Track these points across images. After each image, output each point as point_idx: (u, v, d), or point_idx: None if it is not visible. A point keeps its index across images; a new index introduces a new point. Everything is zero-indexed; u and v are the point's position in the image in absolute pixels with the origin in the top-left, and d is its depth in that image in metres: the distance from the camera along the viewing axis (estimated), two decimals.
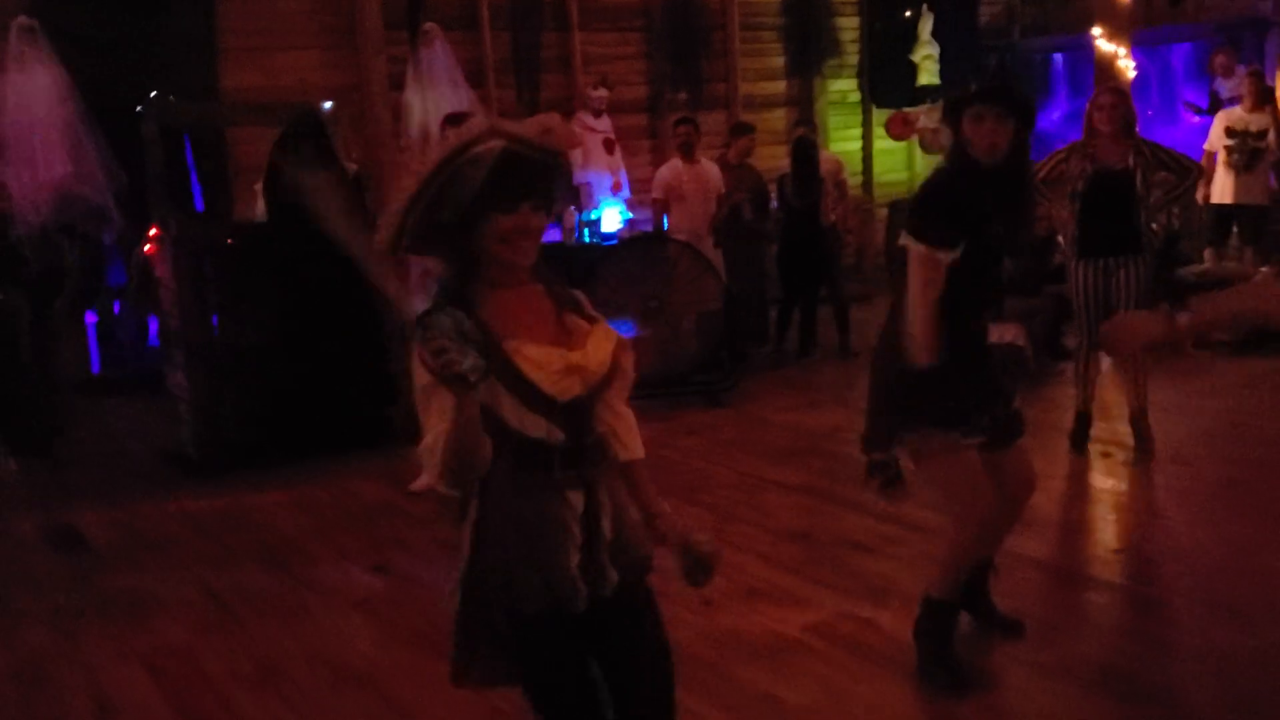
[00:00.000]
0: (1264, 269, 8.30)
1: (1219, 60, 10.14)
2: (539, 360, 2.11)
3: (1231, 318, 2.32)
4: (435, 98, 8.58)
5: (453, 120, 5.65)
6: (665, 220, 7.92)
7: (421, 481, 5.71)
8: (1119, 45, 9.43)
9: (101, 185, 7.45)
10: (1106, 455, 5.78)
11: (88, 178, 7.45)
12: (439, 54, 8.70)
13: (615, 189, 9.29)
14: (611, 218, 8.64)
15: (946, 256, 3.25)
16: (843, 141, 11.58)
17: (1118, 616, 4.07)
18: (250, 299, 6.42)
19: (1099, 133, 5.51)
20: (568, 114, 8.88)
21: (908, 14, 11.42)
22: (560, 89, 9.75)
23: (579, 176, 8.67)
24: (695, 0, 10.52)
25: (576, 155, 8.62)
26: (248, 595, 4.59)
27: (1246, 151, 8.76)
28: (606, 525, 2.21)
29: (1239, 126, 8.78)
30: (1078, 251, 5.65)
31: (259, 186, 7.16)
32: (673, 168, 7.96)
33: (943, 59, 11.25)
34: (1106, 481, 5.49)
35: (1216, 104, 9.87)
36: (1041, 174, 5.75)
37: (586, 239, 8.39)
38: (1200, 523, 4.89)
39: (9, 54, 7.38)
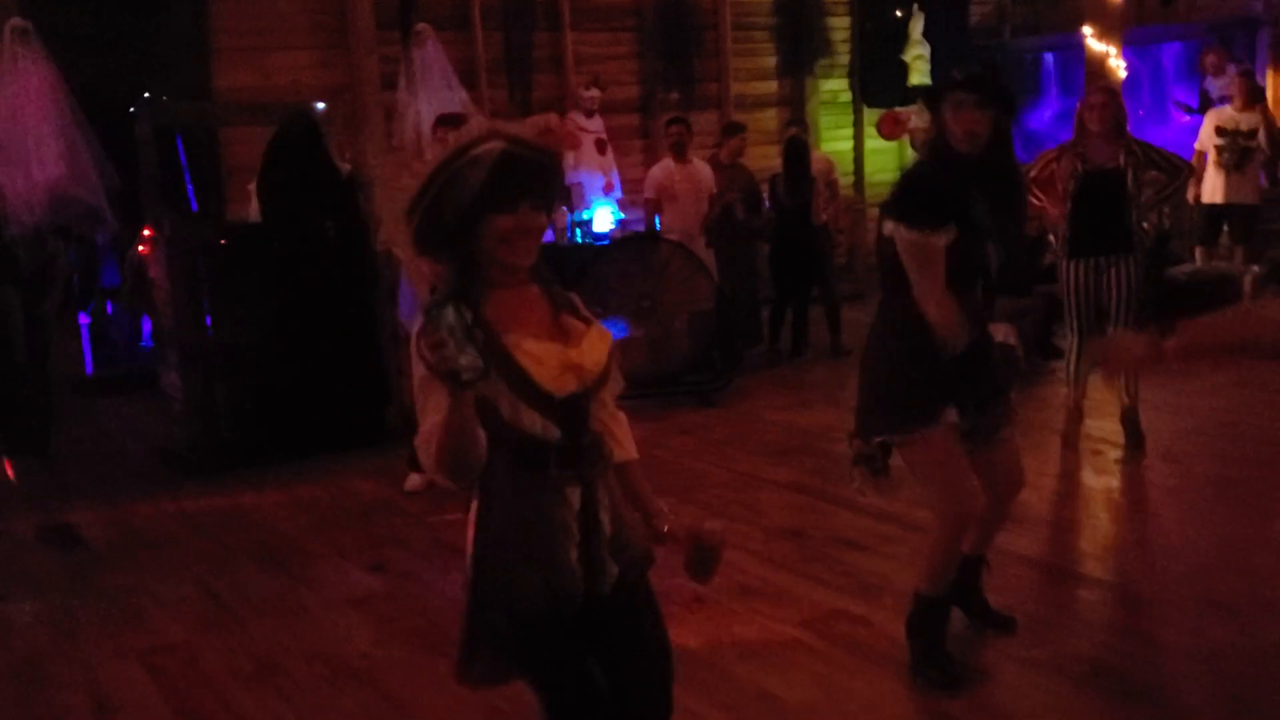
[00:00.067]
0: (1254, 268, 8.35)
1: (1209, 60, 10.21)
2: (538, 355, 2.14)
3: (1220, 343, 2.31)
4: (428, 98, 8.59)
5: (445, 121, 5.66)
6: (657, 220, 7.94)
7: (414, 481, 5.75)
8: (1110, 45, 9.47)
9: (95, 186, 7.43)
10: (1098, 453, 5.81)
11: (81, 178, 7.43)
12: (431, 54, 8.70)
13: (607, 189, 9.31)
14: (603, 218, 8.67)
15: (940, 239, 3.24)
16: (834, 141, 11.61)
17: (1109, 613, 4.10)
18: (244, 299, 6.44)
19: (1090, 132, 5.55)
20: (560, 114, 8.90)
21: (899, 14, 11.45)
22: (552, 89, 9.77)
23: (571, 177, 8.69)
24: (687, 0, 10.55)
25: (568, 156, 8.65)
26: (245, 594, 4.60)
27: (1237, 151, 8.81)
28: (605, 522, 2.24)
29: (1229, 126, 8.83)
30: (1069, 251, 5.68)
31: (252, 187, 7.16)
32: (665, 168, 7.98)
33: (934, 59, 11.29)
34: (1098, 479, 5.52)
35: (1207, 103, 9.93)
36: (1033, 173, 5.79)
37: (579, 239, 8.42)
38: (1191, 520, 4.93)
39: (2, 55, 7.36)
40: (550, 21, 9.84)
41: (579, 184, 8.91)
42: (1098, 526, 5.02)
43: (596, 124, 9.44)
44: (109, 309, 9.22)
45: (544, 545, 2.18)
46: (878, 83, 11.52)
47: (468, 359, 1.88)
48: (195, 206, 8.47)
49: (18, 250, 6.93)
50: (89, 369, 8.59)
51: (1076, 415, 5.88)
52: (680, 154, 7.94)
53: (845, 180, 10.94)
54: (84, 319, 8.58)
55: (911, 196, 3.41)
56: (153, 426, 6.96)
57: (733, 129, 8.84)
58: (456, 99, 8.54)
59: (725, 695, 3.53)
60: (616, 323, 6.57)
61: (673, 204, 7.85)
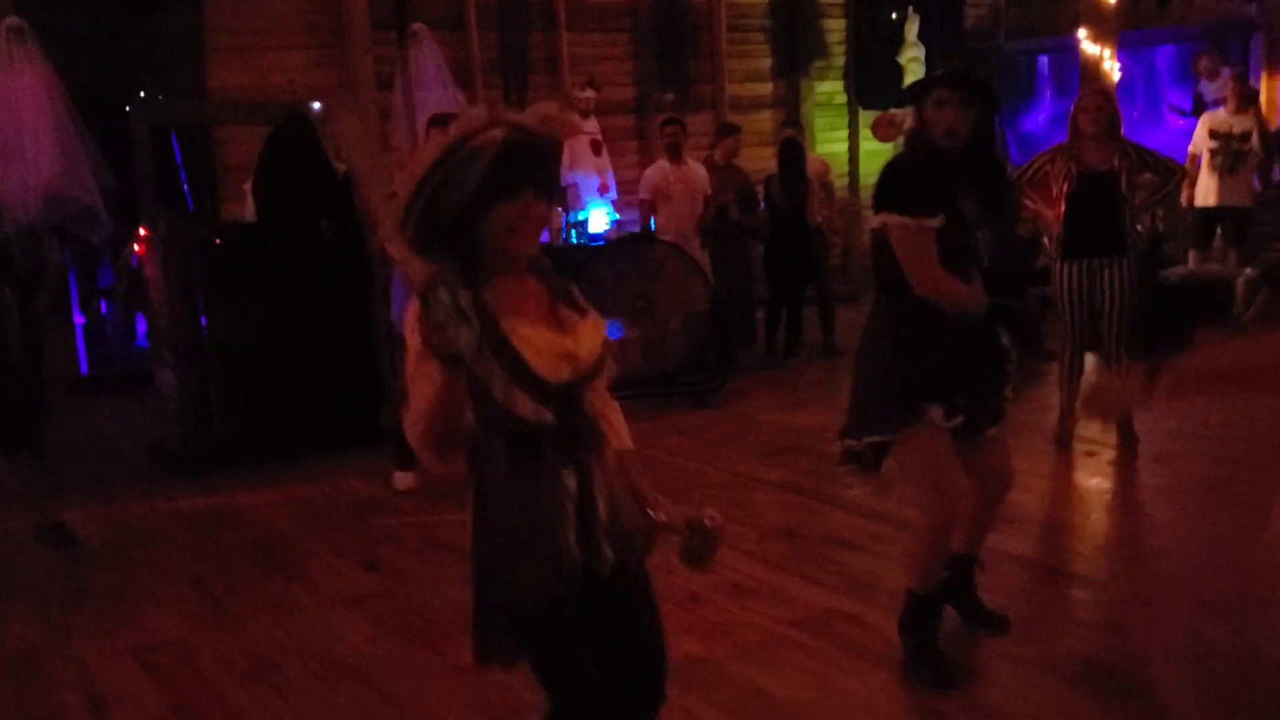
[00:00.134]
0: (1247, 270, 8.37)
1: (1203, 63, 10.23)
2: (533, 341, 2.14)
3: (1208, 378, 2.32)
4: (423, 98, 8.60)
5: (438, 122, 5.67)
6: (652, 221, 7.95)
7: (403, 480, 5.77)
8: (1104, 47, 9.51)
9: (91, 185, 7.43)
10: (1090, 454, 5.84)
11: (77, 178, 7.43)
12: (427, 54, 8.71)
13: (602, 190, 9.32)
14: (599, 218, 8.69)
15: (931, 223, 3.25)
16: (829, 143, 11.63)
17: (1101, 612, 4.12)
18: (240, 298, 6.45)
19: (1084, 134, 5.57)
20: None
21: (894, 16, 11.48)
22: (548, 89, 9.78)
23: (566, 178, 8.70)
24: (682, 1, 10.56)
25: (564, 156, 8.65)
26: (241, 592, 4.61)
27: (1230, 154, 8.83)
28: (601, 506, 2.24)
29: (1223, 129, 8.86)
30: (1063, 253, 5.71)
31: (248, 186, 7.17)
32: (660, 169, 7.99)
33: (929, 61, 11.31)
34: (1090, 480, 5.54)
35: (1201, 106, 9.96)
36: (1027, 175, 5.82)
37: (574, 240, 8.43)
38: (1183, 520, 4.96)
39: None
40: (546, 22, 9.86)
41: (574, 185, 8.91)
42: (1090, 527, 5.04)
43: (592, 125, 9.46)
44: (103, 308, 9.21)
45: (542, 530, 2.18)
46: (873, 85, 11.54)
47: (466, 338, 1.90)
48: (191, 206, 8.46)
49: (13, 249, 6.92)
50: (84, 368, 8.59)
51: (1069, 416, 5.91)
52: (675, 155, 7.95)
53: (840, 182, 10.96)
54: (79, 319, 8.58)
55: (898, 185, 3.41)
56: (148, 426, 6.97)
57: (727, 130, 8.85)
58: (452, 99, 8.55)
59: (720, 693, 3.54)
60: (612, 323, 6.58)
61: (668, 205, 7.86)
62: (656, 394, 7.19)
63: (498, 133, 2.08)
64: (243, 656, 3.99)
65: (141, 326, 8.75)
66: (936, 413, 3.34)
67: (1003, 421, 3.51)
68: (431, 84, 8.59)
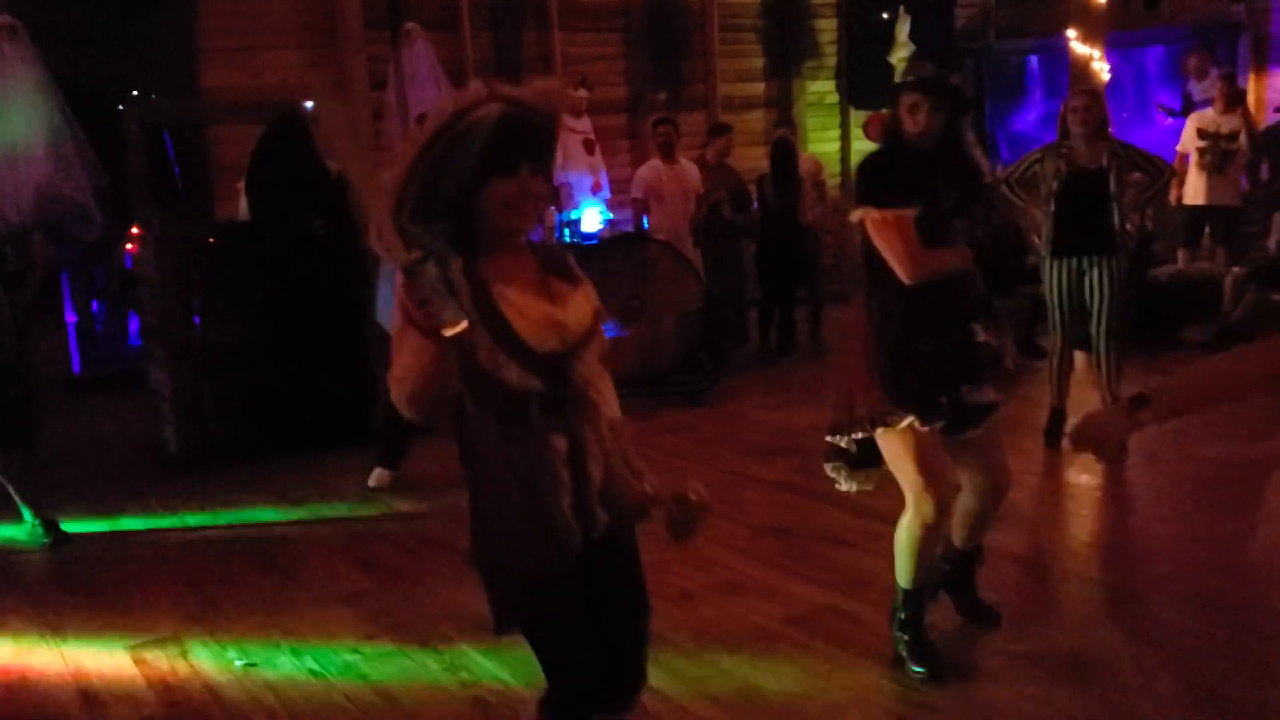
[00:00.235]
0: (1235, 269, 8.42)
1: (1192, 63, 10.28)
2: (522, 308, 2.15)
3: (1195, 402, 2.36)
4: (416, 98, 8.61)
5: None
6: (645, 220, 7.98)
7: (378, 477, 5.79)
8: (1094, 47, 9.52)
9: (83, 185, 7.44)
10: (1080, 452, 5.85)
11: (69, 177, 7.44)
12: (420, 54, 8.72)
13: (595, 189, 9.34)
14: (592, 218, 8.71)
15: (909, 212, 3.32)
16: (821, 143, 11.66)
17: (1091, 608, 4.16)
18: (233, 297, 6.46)
19: (1073, 134, 5.60)
20: None
21: (885, 16, 11.49)
22: None
23: (559, 177, 8.72)
24: (675, 1, 10.59)
25: (556, 155, 8.66)
26: (233, 589, 4.62)
27: (1218, 153, 8.88)
28: (594, 470, 2.23)
29: (1211, 128, 8.91)
30: (1052, 251, 5.74)
31: (241, 185, 7.17)
32: (652, 168, 8.02)
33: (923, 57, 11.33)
34: (1080, 477, 5.57)
35: (1189, 106, 10.00)
36: (1016, 174, 5.86)
37: (567, 239, 8.45)
38: (1173, 518, 4.99)
39: None
40: (538, 22, 9.87)
41: (567, 184, 8.93)
42: (1080, 524, 5.07)
43: (585, 124, 9.46)
44: (94, 307, 9.21)
45: (536, 496, 2.18)
46: (865, 84, 11.56)
47: (450, 313, 1.92)
48: (184, 205, 8.46)
49: (5, 249, 6.92)
50: (76, 368, 8.58)
51: (1059, 414, 5.94)
52: (668, 154, 7.98)
53: (832, 181, 10.98)
54: (71, 318, 8.58)
55: (872, 179, 3.49)
56: (142, 424, 6.97)
57: (719, 129, 8.89)
58: (445, 99, 8.54)
59: (712, 688, 3.56)
60: (605, 323, 6.60)
61: (660, 204, 7.89)
62: (649, 393, 7.21)
63: (495, 107, 2.08)
64: (237, 655, 4.00)
65: (134, 326, 8.75)
66: (916, 412, 3.37)
67: (987, 423, 3.51)
68: (425, 83, 8.60)
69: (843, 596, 4.20)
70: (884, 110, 11.22)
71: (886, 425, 3.37)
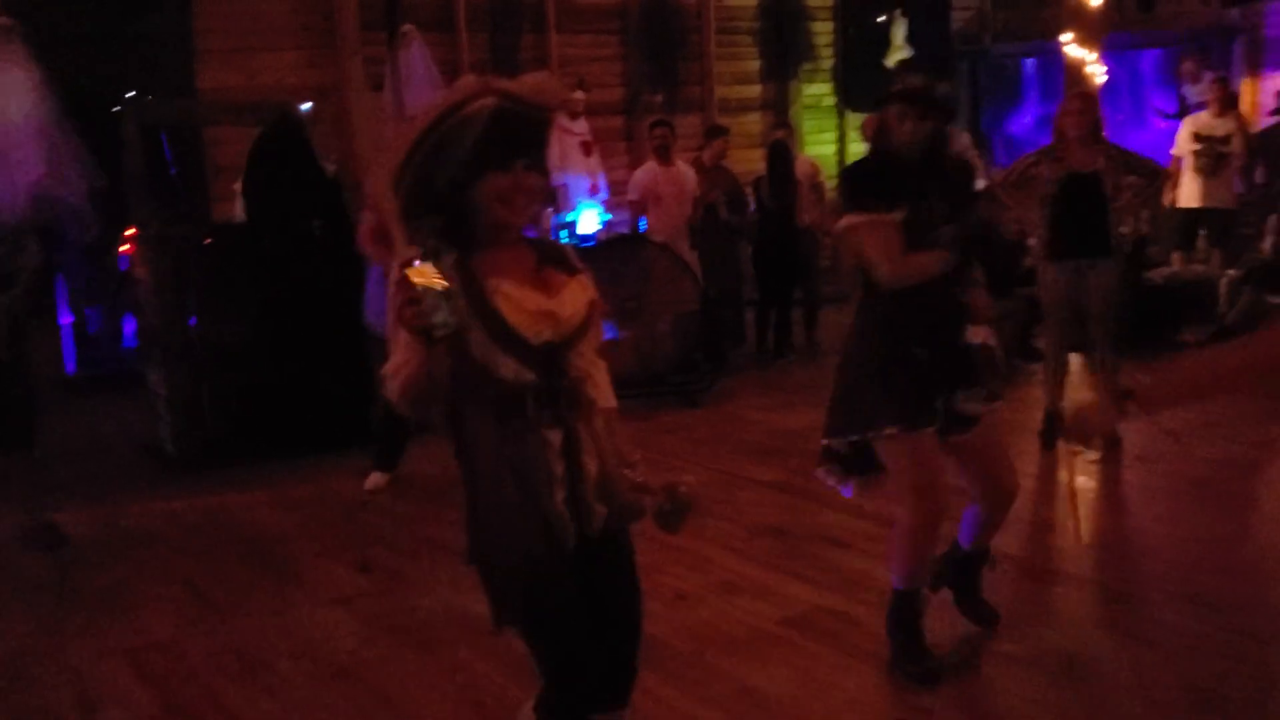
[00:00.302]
0: (1230, 271, 8.45)
1: (1187, 66, 10.32)
2: (516, 301, 2.15)
3: (1187, 391, 2.38)
4: (413, 99, 8.60)
5: None
6: (642, 222, 7.99)
7: (374, 479, 5.79)
8: (1089, 51, 9.55)
9: (78, 186, 7.43)
10: (1075, 453, 5.85)
11: (64, 179, 7.43)
12: (416, 55, 8.72)
13: (592, 191, 9.35)
14: (589, 219, 8.72)
15: (891, 217, 3.35)
16: (817, 145, 11.68)
17: (1086, 609, 4.17)
18: (230, 298, 6.45)
19: (1068, 137, 5.62)
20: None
21: (882, 19, 11.53)
22: None
23: (556, 178, 8.73)
24: (672, 3, 10.60)
25: (553, 157, 8.67)
26: (230, 590, 4.62)
27: (1213, 156, 8.91)
28: (590, 464, 2.24)
29: (1205, 131, 8.94)
30: (1048, 254, 5.76)
31: (238, 186, 7.18)
32: (649, 170, 8.03)
33: (916, 64, 11.35)
34: (1076, 478, 5.57)
35: (1184, 109, 10.04)
36: (1012, 178, 5.88)
37: (564, 240, 8.45)
38: (1168, 519, 5.01)
39: None
40: (535, 23, 9.88)
41: (564, 186, 8.95)
42: (1075, 525, 5.07)
43: (581, 126, 9.48)
44: (87, 308, 9.21)
45: (530, 490, 2.19)
46: (861, 87, 11.57)
47: (440, 316, 1.93)
48: (181, 206, 8.46)
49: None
50: (70, 368, 8.57)
51: (1055, 416, 5.95)
52: (664, 156, 7.99)
53: (829, 184, 10.98)
54: (67, 319, 8.57)
55: (856, 185, 3.54)
56: (139, 425, 6.96)
57: (715, 131, 8.90)
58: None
59: (708, 689, 3.57)
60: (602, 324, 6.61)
61: (657, 206, 7.89)
62: (646, 394, 7.22)
63: (489, 101, 2.08)
64: (234, 657, 4.00)
65: (130, 327, 8.74)
66: (917, 407, 3.38)
67: (975, 427, 3.50)
68: (421, 85, 8.60)
69: (839, 597, 4.21)
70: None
71: (878, 433, 3.38)
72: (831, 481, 3.65)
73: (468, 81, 2.15)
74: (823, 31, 11.76)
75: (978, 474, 3.57)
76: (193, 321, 6.42)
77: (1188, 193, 9.07)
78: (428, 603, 4.33)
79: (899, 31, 11.46)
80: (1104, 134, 5.73)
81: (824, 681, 3.60)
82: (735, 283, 8.83)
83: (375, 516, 5.47)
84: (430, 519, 5.26)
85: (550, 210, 8.37)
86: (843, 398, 3.53)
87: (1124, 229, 6.01)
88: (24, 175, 7.31)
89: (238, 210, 7.22)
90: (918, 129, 3.39)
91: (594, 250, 7.88)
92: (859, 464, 3.57)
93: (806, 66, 11.59)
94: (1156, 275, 8.60)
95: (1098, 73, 9.53)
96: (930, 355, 3.39)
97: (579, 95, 9.42)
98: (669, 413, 7.14)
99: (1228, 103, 8.99)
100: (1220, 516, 4.85)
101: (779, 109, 11.35)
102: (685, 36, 10.75)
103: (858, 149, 11.84)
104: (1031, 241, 6.20)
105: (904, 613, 3.61)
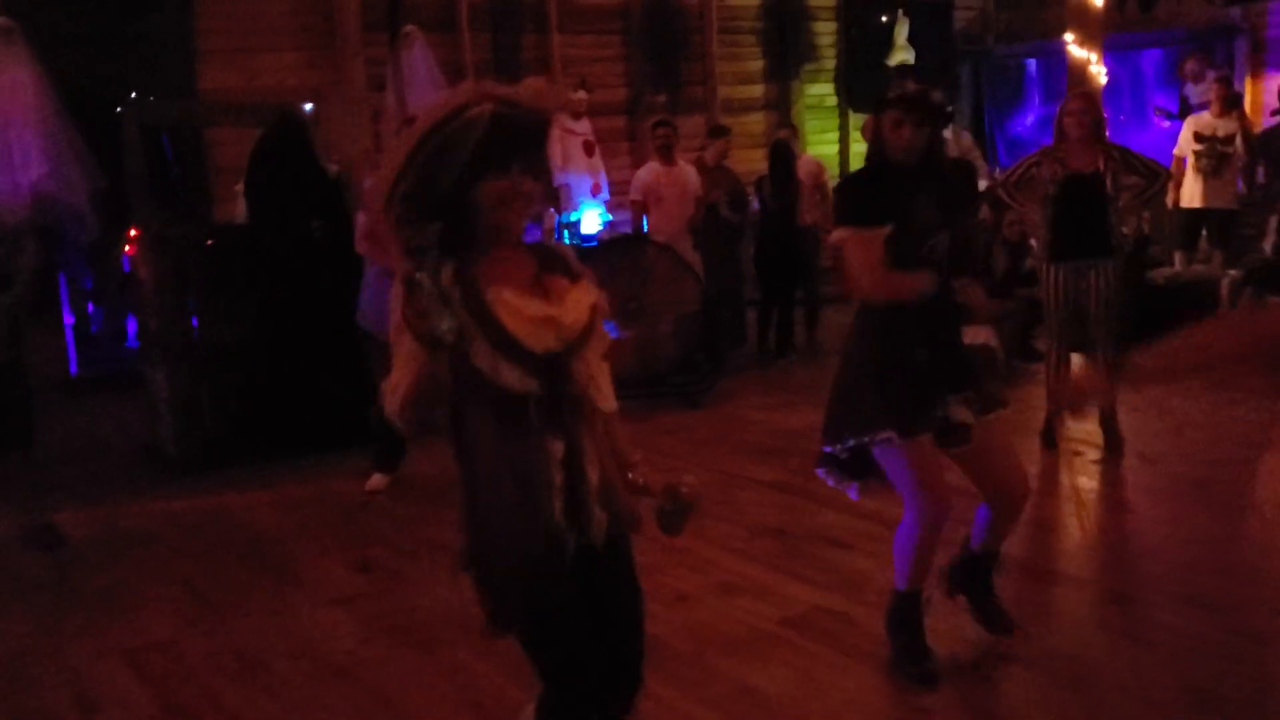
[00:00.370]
0: (1231, 272, 8.44)
1: (1189, 66, 10.30)
2: (518, 310, 2.14)
3: (1173, 366, 2.40)
4: (415, 100, 8.61)
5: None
6: (644, 222, 7.98)
7: (375, 481, 5.79)
8: (1091, 51, 9.53)
9: (78, 186, 7.44)
10: (1077, 454, 5.88)
11: (64, 179, 7.43)
12: (418, 56, 8.72)
13: (594, 191, 9.35)
14: (591, 219, 8.73)
15: (878, 233, 3.36)
16: (820, 145, 11.67)
17: (1087, 610, 4.16)
18: (231, 299, 6.45)
19: (1069, 137, 5.61)
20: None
21: (884, 19, 11.53)
22: None
23: (558, 178, 8.73)
24: (674, 3, 10.60)
25: (556, 157, 8.68)
26: (230, 591, 4.62)
27: (1215, 156, 8.90)
28: (591, 473, 2.24)
29: (1207, 131, 8.92)
30: (1049, 254, 5.75)
31: (239, 187, 7.18)
32: (651, 170, 8.02)
33: (918, 64, 11.36)
34: (1076, 479, 5.58)
35: (1186, 109, 10.01)
36: (1013, 178, 5.87)
37: (566, 240, 8.45)
38: (1168, 519, 4.99)
39: None
40: (537, 24, 9.88)
41: (567, 186, 8.94)
42: (1076, 525, 5.07)
43: (584, 126, 9.48)
44: (89, 308, 9.21)
45: (529, 498, 2.19)
46: (863, 87, 11.58)
47: (446, 324, 1.94)
48: (182, 206, 8.47)
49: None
50: (73, 369, 8.58)
51: (1056, 417, 5.95)
52: (667, 156, 7.98)
53: (832, 184, 10.98)
54: (68, 319, 8.57)
55: (847, 200, 3.59)
56: (138, 426, 6.96)
57: (717, 131, 8.90)
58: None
59: (708, 690, 3.57)
60: (604, 324, 6.61)
61: (659, 206, 7.89)
62: (647, 394, 7.21)
63: (487, 106, 2.08)
64: (233, 657, 4.00)
65: (131, 327, 8.75)
66: (914, 413, 3.37)
67: (969, 437, 3.46)
68: (423, 85, 8.61)
69: (839, 598, 4.21)
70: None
71: (875, 437, 3.37)
72: (832, 482, 3.64)
73: (465, 87, 2.16)
74: (825, 32, 11.76)
75: (986, 482, 3.56)
76: (193, 322, 6.41)
77: (1189, 193, 9.06)
78: (427, 603, 4.33)
79: (901, 32, 11.46)
80: (1105, 134, 5.72)
81: (823, 682, 3.59)
82: (736, 282, 8.83)
83: (375, 517, 5.47)
84: (430, 519, 5.26)
85: (553, 210, 8.37)
86: (840, 401, 3.52)
87: (1126, 229, 5.99)
88: (25, 175, 7.32)
89: (239, 211, 7.22)
90: (914, 135, 3.39)
91: (596, 250, 7.88)
92: (859, 468, 3.56)
93: (809, 67, 11.59)
94: (1158, 275, 8.59)
95: (1100, 73, 9.51)
96: (930, 356, 3.39)
97: (581, 95, 9.43)
98: (669, 413, 7.14)
99: (1230, 103, 8.98)
100: (1220, 515, 4.84)
101: (781, 109, 11.35)
102: (687, 37, 10.75)
103: (860, 149, 11.82)
104: (1033, 242, 6.19)
105: (905, 613, 3.61)
